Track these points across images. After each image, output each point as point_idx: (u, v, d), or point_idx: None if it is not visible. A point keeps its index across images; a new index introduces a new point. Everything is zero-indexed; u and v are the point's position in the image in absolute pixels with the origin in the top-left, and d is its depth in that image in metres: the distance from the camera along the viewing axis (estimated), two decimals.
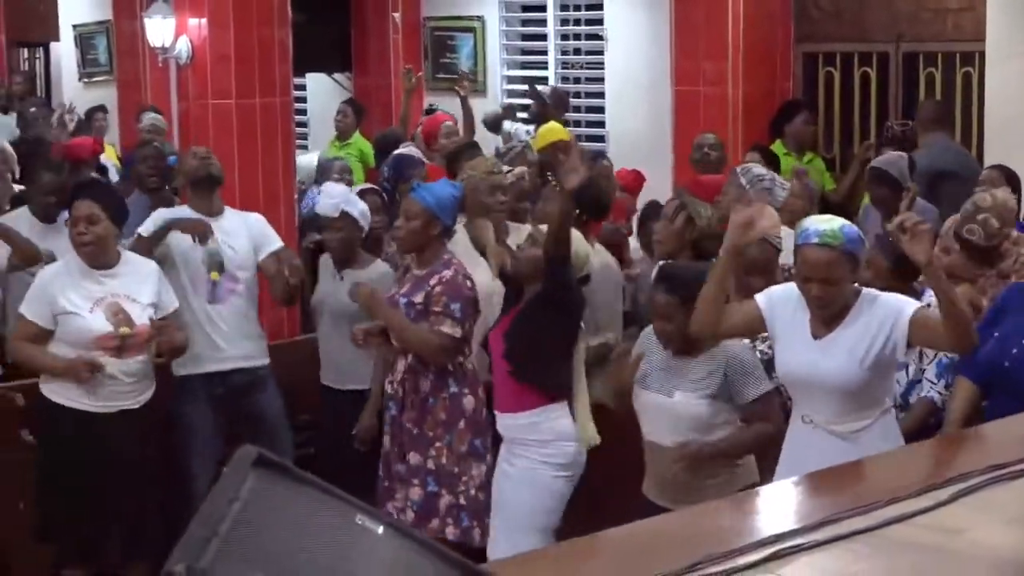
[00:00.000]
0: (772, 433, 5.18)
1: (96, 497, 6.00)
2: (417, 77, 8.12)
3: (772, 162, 8.67)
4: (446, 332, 5.88)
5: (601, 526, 3.29)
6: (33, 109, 13.55)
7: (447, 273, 5.96)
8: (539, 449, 5.66)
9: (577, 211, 6.16)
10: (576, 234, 5.90)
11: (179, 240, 6.57)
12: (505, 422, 5.76)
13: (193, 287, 6.55)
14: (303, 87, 13.63)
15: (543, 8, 12.99)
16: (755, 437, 5.23)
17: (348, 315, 6.51)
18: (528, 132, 10.59)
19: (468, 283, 5.99)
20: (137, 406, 6.06)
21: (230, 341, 6.60)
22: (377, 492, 6.06)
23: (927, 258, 4.52)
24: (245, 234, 6.70)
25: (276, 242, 6.78)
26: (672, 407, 5.20)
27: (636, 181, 8.79)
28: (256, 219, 6.84)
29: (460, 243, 6.41)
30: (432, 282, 5.94)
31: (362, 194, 7.03)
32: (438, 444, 5.96)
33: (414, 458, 5.97)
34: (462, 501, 5.94)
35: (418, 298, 5.94)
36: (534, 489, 5.66)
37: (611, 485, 5.63)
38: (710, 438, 5.20)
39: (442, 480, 5.95)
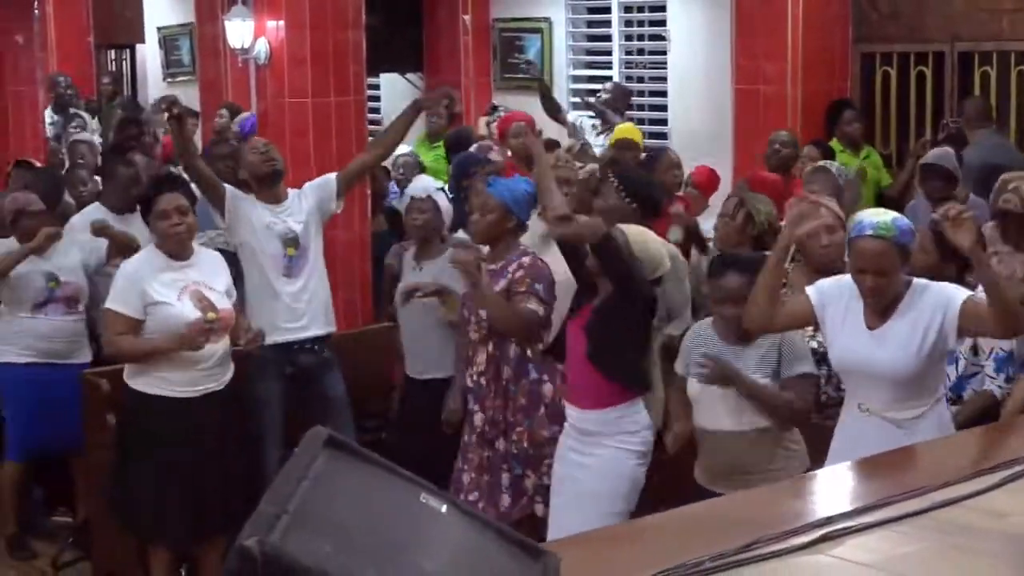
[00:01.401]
0: (800, 409, 5.21)
1: (183, 477, 6.06)
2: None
3: (829, 157, 8.66)
4: (532, 308, 5.89)
5: (653, 511, 3.29)
6: (119, 110, 13.68)
7: (526, 259, 6.00)
8: (621, 439, 5.60)
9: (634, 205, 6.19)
10: (650, 234, 5.87)
11: (256, 218, 6.67)
12: (586, 416, 5.63)
13: (271, 264, 6.66)
14: (377, 87, 13.69)
15: (608, 10, 12.97)
16: (786, 402, 5.21)
17: (428, 305, 6.57)
18: (593, 126, 10.59)
19: (546, 267, 6.01)
20: (221, 387, 6.14)
21: (303, 311, 6.71)
22: (452, 481, 6.09)
23: (970, 244, 4.50)
24: (307, 208, 6.80)
25: (330, 182, 6.89)
26: (731, 392, 5.20)
27: (711, 180, 8.71)
28: (309, 189, 6.91)
29: (535, 235, 6.44)
30: (512, 268, 5.97)
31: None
32: (519, 429, 5.97)
33: (501, 444, 6.00)
34: (546, 481, 5.95)
35: (499, 287, 5.95)
36: (617, 478, 5.60)
37: (660, 472, 5.62)
38: (766, 424, 5.20)
39: (526, 462, 5.97)
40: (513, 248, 6.07)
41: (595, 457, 5.59)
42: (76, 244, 7.29)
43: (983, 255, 4.73)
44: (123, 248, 6.90)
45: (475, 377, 6.04)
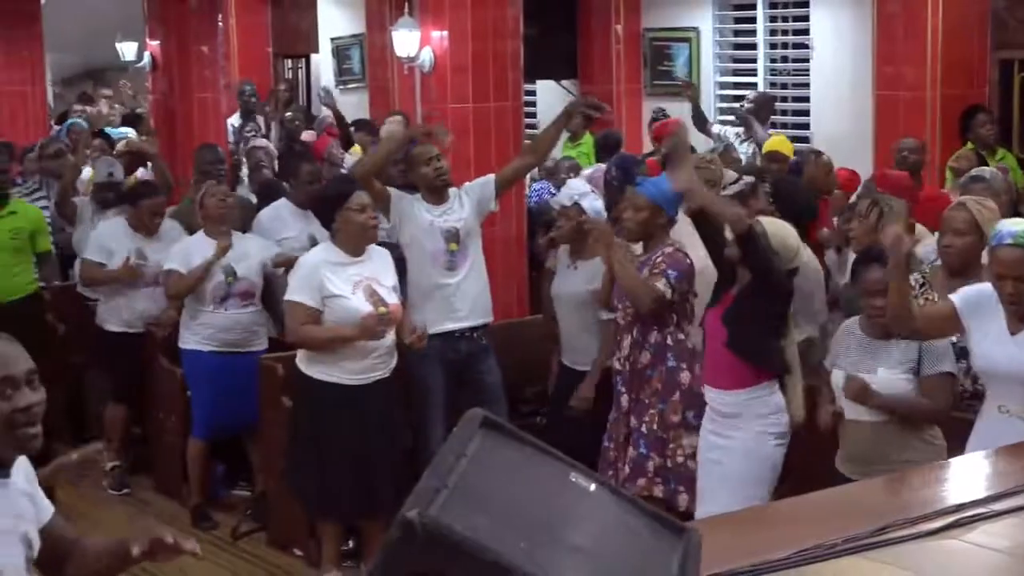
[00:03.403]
0: (939, 411, 5.14)
1: (350, 457, 6.16)
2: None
3: (983, 162, 8.54)
4: (659, 288, 5.93)
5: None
6: (288, 114, 13.90)
7: (668, 249, 6.05)
8: (759, 421, 5.59)
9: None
10: (787, 226, 5.85)
11: (420, 217, 6.75)
12: (723, 398, 5.65)
13: (433, 259, 6.74)
14: (533, 93, 13.73)
15: (753, 20, 12.87)
16: (924, 410, 5.15)
17: (581, 302, 6.62)
18: (737, 134, 10.52)
19: (687, 259, 6.04)
20: (388, 375, 6.24)
21: (463, 302, 6.77)
22: (600, 459, 6.12)
23: None
24: (468, 207, 6.86)
25: (489, 183, 6.95)
26: (875, 384, 5.15)
27: (851, 181, 8.66)
28: (469, 189, 6.97)
29: (683, 230, 6.45)
30: (655, 256, 6.03)
31: None
32: (651, 411, 6.00)
33: (633, 422, 6.04)
34: (669, 465, 5.96)
35: (643, 273, 6.02)
36: (756, 460, 5.59)
37: (805, 461, 5.57)
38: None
39: (652, 444, 5.99)
40: (663, 242, 6.10)
41: (734, 440, 5.59)
42: (254, 242, 7.44)
43: None
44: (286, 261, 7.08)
45: (621, 361, 6.09)
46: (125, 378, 7.97)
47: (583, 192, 6.79)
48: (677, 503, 5.93)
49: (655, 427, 5.98)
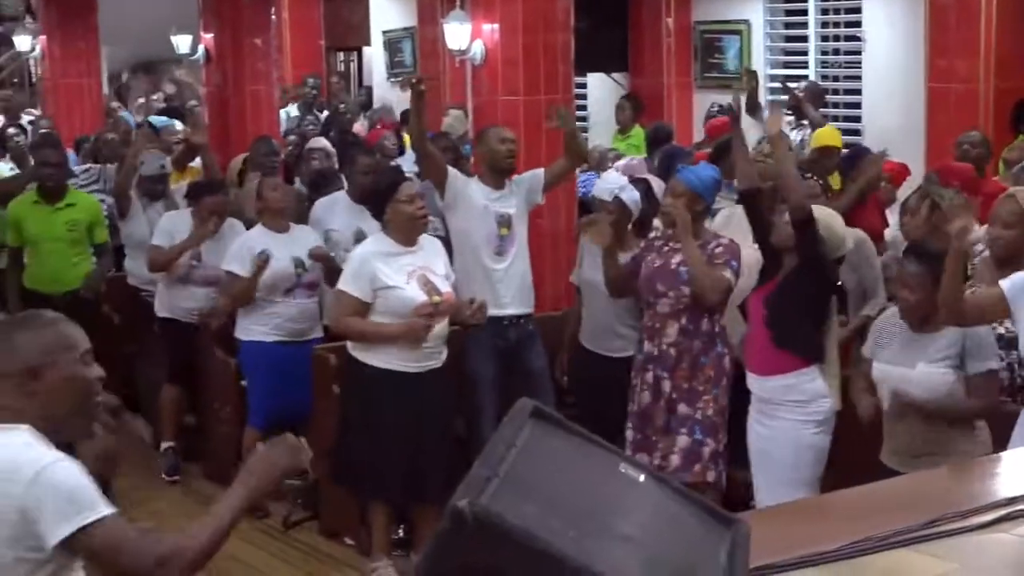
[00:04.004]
0: (985, 410, 5.10)
1: (401, 444, 6.19)
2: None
3: None
4: (727, 276, 5.98)
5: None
6: (343, 105, 13.96)
7: (724, 240, 6.10)
8: (797, 409, 5.61)
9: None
10: (833, 214, 5.88)
11: (475, 199, 6.77)
12: (762, 384, 5.72)
13: (484, 242, 6.77)
14: (584, 85, 13.71)
15: (805, 11, 12.80)
16: (970, 411, 5.12)
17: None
18: (788, 123, 10.46)
19: (740, 250, 6.08)
20: (440, 365, 6.26)
21: (508, 291, 6.80)
22: (628, 444, 6.12)
23: None
24: (519, 195, 6.90)
25: (539, 176, 6.99)
26: (914, 378, 5.12)
27: (900, 173, 8.63)
28: (521, 179, 6.99)
29: (734, 219, 6.47)
30: (711, 246, 6.05)
31: None
32: (706, 397, 6.03)
33: (683, 409, 6.04)
34: (721, 449, 6.01)
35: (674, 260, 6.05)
36: (796, 447, 5.61)
37: (850, 454, 5.55)
38: None
39: (708, 430, 6.01)
40: (701, 231, 6.11)
41: (775, 428, 5.63)
42: (313, 234, 7.48)
43: None
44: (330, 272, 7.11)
45: (664, 347, 6.09)
46: (178, 361, 8.05)
47: (622, 185, 6.79)
48: (723, 485, 5.97)
49: (710, 412, 6.01)
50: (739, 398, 6.02)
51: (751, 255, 6.14)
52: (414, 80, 6.94)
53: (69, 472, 3.04)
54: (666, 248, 6.22)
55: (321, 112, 14.31)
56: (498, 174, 6.87)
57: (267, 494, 3.31)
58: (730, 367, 6.05)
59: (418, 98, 6.83)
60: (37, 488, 2.99)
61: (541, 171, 7.06)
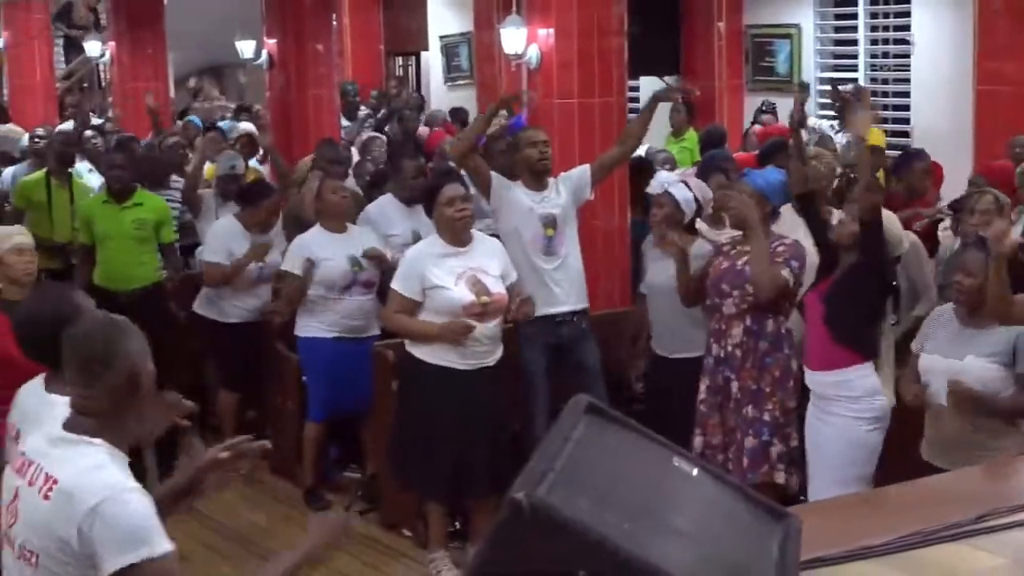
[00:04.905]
0: None
1: (459, 441, 6.20)
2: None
3: None
4: (781, 274, 5.93)
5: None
6: (408, 112, 14.00)
7: (788, 240, 6.06)
8: (850, 405, 5.58)
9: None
10: (892, 217, 5.87)
11: (520, 202, 6.75)
12: (816, 379, 5.70)
13: (532, 244, 6.75)
14: (636, 88, 13.68)
15: (854, 16, 12.72)
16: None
17: (672, 290, 6.57)
18: (832, 127, 10.41)
19: (805, 251, 6.04)
20: (493, 363, 6.26)
21: (561, 287, 6.77)
22: (696, 446, 6.09)
23: None
24: (565, 194, 6.86)
25: (585, 172, 6.94)
26: (962, 370, 5.09)
27: (937, 174, 8.56)
28: (566, 178, 6.96)
29: (788, 220, 6.45)
30: (775, 244, 6.02)
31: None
32: (774, 399, 5.98)
33: (750, 410, 6.00)
34: (789, 451, 5.96)
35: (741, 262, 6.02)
36: (848, 443, 5.59)
37: (901, 451, 5.51)
38: None
39: (776, 431, 5.96)
40: (767, 233, 6.07)
41: (830, 424, 5.60)
42: (371, 235, 7.50)
43: None
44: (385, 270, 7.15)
45: (729, 348, 6.04)
46: (236, 366, 8.06)
47: (673, 181, 6.80)
48: (793, 486, 5.93)
49: (777, 414, 5.96)
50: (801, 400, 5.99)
51: (809, 251, 6.11)
52: (521, 95, 7.04)
53: (133, 505, 2.98)
54: (734, 251, 6.19)
55: (377, 114, 14.35)
56: (535, 176, 6.84)
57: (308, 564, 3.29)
58: (797, 369, 5.98)
59: (496, 111, 7.08)
60: (99, 516, 2.94)
61: (587, 167, 7.02)
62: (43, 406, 3.33)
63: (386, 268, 7.17)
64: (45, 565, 3.03)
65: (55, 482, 3.01)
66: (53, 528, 3.00)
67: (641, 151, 9.41)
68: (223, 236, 7.96)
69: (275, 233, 7.96)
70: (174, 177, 9.44)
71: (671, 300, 6.56)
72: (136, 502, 2.98)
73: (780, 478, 5.92)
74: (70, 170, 9.54)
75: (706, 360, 6.18)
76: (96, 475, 3.00)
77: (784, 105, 11.12)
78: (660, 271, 6.72)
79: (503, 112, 7.52)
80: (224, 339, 8.08)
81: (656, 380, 6.80)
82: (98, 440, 3.07)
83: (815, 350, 5.70)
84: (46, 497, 3.02)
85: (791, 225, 6.38)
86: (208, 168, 9.78)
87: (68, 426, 3.11)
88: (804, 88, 7.28)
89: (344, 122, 13.13)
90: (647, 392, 6.94)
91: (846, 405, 5.58)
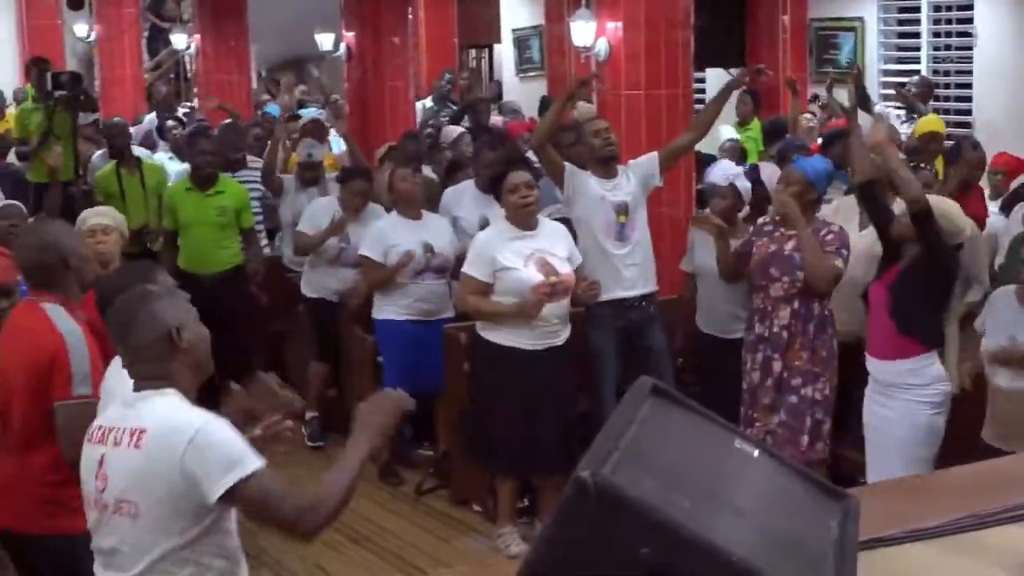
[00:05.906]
0: None
1: (527, 420, 6.21)
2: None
3: None
4: (837, 265, 5.94)
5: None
6: (481, 104, 14.02)
7: (835, 227, 6.05)
8: (918, 391, 5.54)
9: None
10: (951, 203, 5.80)
11: (591, 191, 6.74)
12: (883, 367, 5.63)
13: (604, 230, 6.73)
14: (702, 80, 13.60)
15: (917, 9, 12.58)
16: None
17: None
18: (898, 115, 10.31)
19: (849, 238, 6.03)
20: (561, 343, 6.27)
21: (631, 271, 6.75)
22: (740, 421, 6.08)
23: None
24: (634, 182, 6.83)
25: (653, 159, 6.90)
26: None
27: (1017, 168, 8.48)
28: (635, 165, 6.93)
29: (841, 209, 6.41)
30: (822, 233, 6.00)
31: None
32: (823, 378, 6.00)
33: (794, 387, 6.01)
34: (827, 427, 6.00)
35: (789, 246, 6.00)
36: (913, 428, 5.55)
37: (962, 436, 5.45)
38: None
39: (816, 408, 5.99)
40: (811, 220, 6.06)
41: (892, 409, 5.56)
42: (443, 221, 7.54)
43: None
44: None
45: (775, 329, 6.04)
46: (324, 339, 8.17)
47: (736, 173, 6.77)
48: (828, 460, 5.96)
49: (827, 393, 5.97)
50: (847, 378, 5.96)
51: (857, 244, 6.07)
52: (591, 79, 7.22)
53: (222, 430, 3.13)
54: (777, 233, 6.17)
55: (455, 105, 14.37)
56: (603, 165, 6.82)
57: (383, 442, 3.34)
58: (837, 349, 5.99)
59: (570, 98, 7.14)
60: (196, 448, 3.06)
61: (655, 154, 7.00)
62: (119, 378, 3.42)
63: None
64: (147, 512, 3.12)
65: (143, 432, 3.14)
66: (154, 471, 3.10)
67: (710, 144, 9.39)
68: (317, 211, 8.13)
69: (370, 214, 8.00)
70: (251, 158, 9.53)
71: (718, 281, 6.57)
72: (223, 429, 3.13)
73: (817, 454, 5.98)
74: (135, 156, 9.66)
75: (747, 336, 6.18)
76: (180, 414, 3.15)
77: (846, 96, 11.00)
78: (705, 253, 6.71)
79: (587, 106, 7.56)
80: (309, 312, 8.23)
81: (706, 358, 6.79)
82: (167, 389, 3.21)
83: (881, 340, 5.63)
84: (137, 447, 3.13)
85: (847, 215, 6.34)
86: (292, 157, 9.88)
87: (135, 388, 3.26)
88: (856, 68, 7.18)
89: (429, 103, 13.17)
90: (697, 370, 6.93)
91: (911, 390, 5.53)
